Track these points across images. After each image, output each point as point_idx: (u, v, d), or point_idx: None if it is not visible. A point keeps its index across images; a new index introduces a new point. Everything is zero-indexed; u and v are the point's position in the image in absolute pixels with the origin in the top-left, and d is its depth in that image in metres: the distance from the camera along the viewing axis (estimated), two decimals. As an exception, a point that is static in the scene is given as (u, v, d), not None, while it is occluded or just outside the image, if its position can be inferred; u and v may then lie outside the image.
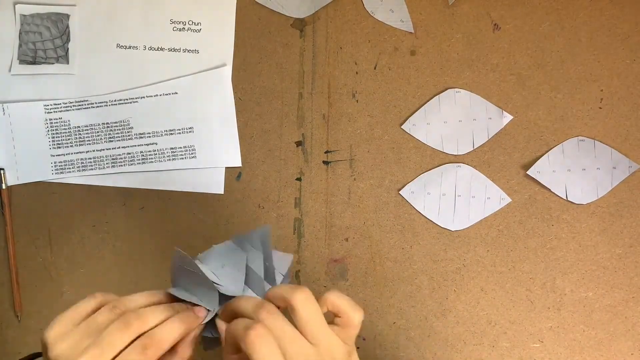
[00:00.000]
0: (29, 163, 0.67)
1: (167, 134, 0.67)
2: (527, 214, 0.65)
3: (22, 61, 0.67)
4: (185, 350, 0.47)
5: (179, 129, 0.67)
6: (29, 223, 0.67)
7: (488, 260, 0.65)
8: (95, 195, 0.68)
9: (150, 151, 0.67)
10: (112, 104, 0.67)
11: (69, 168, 0.67)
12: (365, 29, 0.68)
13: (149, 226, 0.67)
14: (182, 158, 0.67)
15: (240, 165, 0.68)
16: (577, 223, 0.65)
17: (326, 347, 0.43)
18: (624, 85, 0.66)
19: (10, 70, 0.67)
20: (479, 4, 0.67)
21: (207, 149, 0.67)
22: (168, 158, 0.67)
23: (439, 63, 0.67)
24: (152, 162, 0.67)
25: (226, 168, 0.68)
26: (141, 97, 0.67)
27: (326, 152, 0.67)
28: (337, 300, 0.45)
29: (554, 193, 0.65)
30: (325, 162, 0.67)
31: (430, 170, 0.67)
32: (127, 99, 0.67)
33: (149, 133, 0.67)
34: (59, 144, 0.67)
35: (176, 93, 0.67)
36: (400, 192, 0.67)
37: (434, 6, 0.68)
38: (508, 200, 0.65)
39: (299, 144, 0.68)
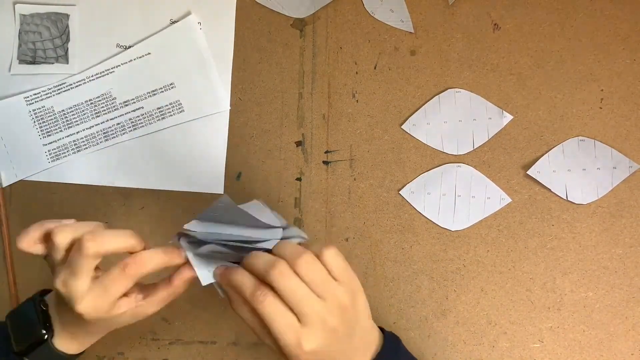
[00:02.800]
0: (23, 158, 0.67)
1: (150, 96, 0.68)
2: (527, 214, 0.65)
3: (21, 61, 0.67)
4: (179, 284, 0.52)
5: (161, 88, 0.68)
6: (29, 223, 0.67)
7: (488, 260, 0.65)
8: (95, 195, 0.68)
9: (138, 116, 0.68)
10: (90, 80, 0.68)
11: (64, 152, 0.67)
12: (365, 29, 0.68)
13: (149, 226, 0.67)
14: (171, 115, 0.68)
15: (229, 108, 0.68)
16: (578, 223, 0.65)
17: (333, 298, 0.48)
18: (624, 85, 0.66)
19: (10, 70, 0.67)
20: (479, 4, 0.67)
21: (193, 100, 0.68)
22: (157, 118, 0.68)
23: (439, 63, 0.67)
24: (142, 126, 0.68)
25: (226, 168, 0.67)
26: (116, 66, 0.68)
27: (326, 152, 0.67)
28: (330, 260, 0.49)
29: (554, 193, 0.65)
30: (325, 162, 0.67)
31: (430, 170, 0.66)
32: (103, 72, 0.68)
33: (133, 99, 0.68)
34: (48, 132, 0.67)
35: (149, 54, 0.68)
36: (400, 192, 0.67)
37: (434, 6, 0.68)
38: (508, 200, 0.65)
39: (299, 144, 0.67)
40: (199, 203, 0.67)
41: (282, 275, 0.47)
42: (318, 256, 0.49)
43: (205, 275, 0.51)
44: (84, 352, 0.56)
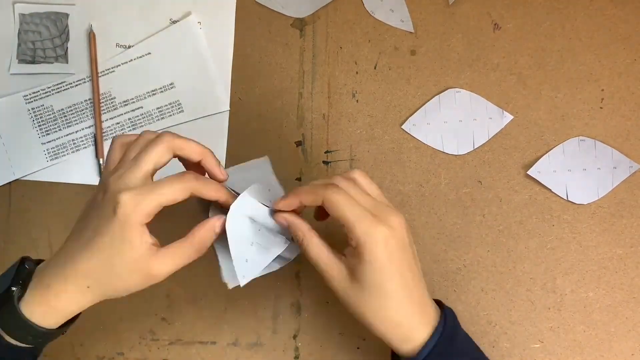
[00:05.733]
0: (22, 156, 0.67)
1: (150, 96, 0.68)
2: (528, 214, 0.65)
3: (21, 60, 0.67)
4: (197, 234, 0.51)
5: (161, 88, 0.68)
6: (29, 223, 0.67)
7: (488, 260, 0.65)
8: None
9: (137, 116, 0.68)
10: (89, 80, 0.68)
11: (63, 152, 0.67)
12: (365, 29, 0.68)
13: (149, 226, 0.67)
14: (170, 115, 0.68)
15: (229, 108, 0.68)
16: (578, 223, 0.65)
17: (381, 200, 0.52)
18: (624, 85, 0.66)
19: (9, 70, 0.67)
20: (479, 4, 0.67)
21: (192, 101, 0.68)
22: (157, 118, 0.68)
23: (439, 63, 0.67)
24: (142, 125, 0.68)
25: (226, 168, 0.67)
26: (117, 66, 0.68)
27: (326, 152, 0.67)
28: (361, 179, 0.52)
29: (554, 193, 0.65)
30: (325, 162, 0.67)
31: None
32: (103, 71, 0.68)
33: (133, 99, 0.68)
34: (47, 130, 0.67)
35: (149, 53, 0.68)
36: (400, 192, 0.67)
37: (434, 6, 0.68)
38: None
39: (299, 144, 0.67)
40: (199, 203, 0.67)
41: (344, 179, 0.51)
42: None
43: (232, 277, 0.52)
44: (65, 331, 0.50)
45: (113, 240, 0.46)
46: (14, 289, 0.47)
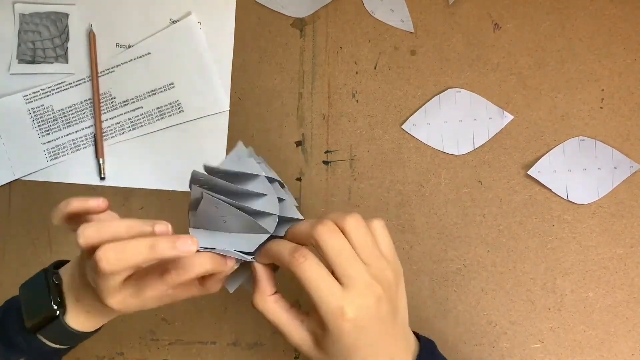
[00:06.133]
0: (22, 156, 0.67)
1: (150, 96, 0.68)
2: (528, 214, 0.65)
3: (21, 60, 0.67)
4: (214, 285, 0.48)
5: (161, 88, 0.68)
6: (29, 223, 0.67)
7: (488, 260, 0.65)
8: (94, 195, 0.67)
9: (137, 116, 0.68)
10: (89, 80, 0.68)
11: (62, 152, 0.67)
12: (365, 29, 0.68)
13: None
14: (170, 115, 0.68)
15: (229, 108, 0.67)
16: (578, 223, 0.65)
17: (378, 268, 0.45)
18: (624, 85, 0.66)
19: (9, 70, 0.67)
20: (479, 4, 0.67)
21: (192, 101, 0.68)
22: (157, 118, 0.68)
23: (439, 63, 0.67)
24: (142, 126, 0.68)
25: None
26: (117, 66, 0.68)
27: (326, 152, 0.67)
28: (378, 232, 0.47)
29: (554, 193, 0.65)
30: (325, 162, 0.67)
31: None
32: (103, 71, 0.68)
33: (132, 99, 0.68)
34: (47, 130, 0.67)
35: (149, 53, 0.68)
36: (400, 192, 0.67)
37: (434, 6, 0.68)
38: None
39: (299, 144, 0.67)
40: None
41: (329, 232, 0.44)
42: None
43: (232, 282, 0.50)
44: (100, 329, 0.52)
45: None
46: (56, 308, 0.49)
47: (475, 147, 0.66)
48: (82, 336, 0.51)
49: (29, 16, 0.67)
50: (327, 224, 0.44)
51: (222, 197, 0.47)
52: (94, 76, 0.67)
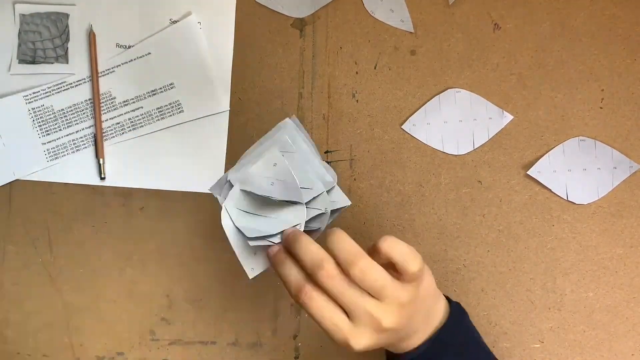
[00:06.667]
0: (22, 156, 0.67)
1: (150, 96, 0.68)
2: (528, 214, 0.65)
3: (21, 61, 0.67)
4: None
5: (161, 88, 0.68)
6: (29, 223, 0.67)
7: (488, 260, 0.65)
8: (95, 195, 0.67)
9: (137, 116, 0.68)
10: (89, 80, 0.67)
11: (63, 152, 0.67)
12: (365, 29, 0.68)
13: (149, 226, 0.67)
14: (171, 115, 0.68)
15: (229, 108, 0.67)
16: (578, 223, 0.65)
17: (392, 299, 0.46)
18: (624, 85, 0.66)
19: (9, 70, 0.67)
20: (479, 4, 0.67)
21: (192, 101, 0.68)
22: (157, 118, 0.68)
23: (439, 63, 0.67)
24: (142, 126, 0.67)
25: (226, 168, 0.67)
26: (117, 66, 0.68)
27: (326, 152, 0.67)
28: (390, 250, 0.46)
29: (554, 193, 0.65)
30: (325, 162, 0.67)
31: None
32: (103, 71, 0.68)
33: (133, 99, 0.68)
34: (47, 131, 0.67)
35: (149, 54, 0.68)
36: (400, 192, 0.67)
37: (434, 6, 0.68)
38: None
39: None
40: (199, 203, 0.67)
41: (330, 278, 0.45)
42: (375, 249, 0.46)
43: (250, 267, 0.52)
44: None
45: None
46: None
47: (475, 147, 0.66)
48: None
49: (30, 16, 0.67)
50: (328, 268, 0.45)
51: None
52: (94, 76, 0.67)
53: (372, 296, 0.45)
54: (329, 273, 0.45)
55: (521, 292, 0.64)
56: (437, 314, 0.52)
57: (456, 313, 0.53)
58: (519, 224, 0.65)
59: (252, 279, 0.52)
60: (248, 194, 0.51)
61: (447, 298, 0.54)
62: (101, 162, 0.67)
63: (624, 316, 0.64)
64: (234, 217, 0.51)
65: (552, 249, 0.65)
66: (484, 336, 0.64)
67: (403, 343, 0.50)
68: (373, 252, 0.47)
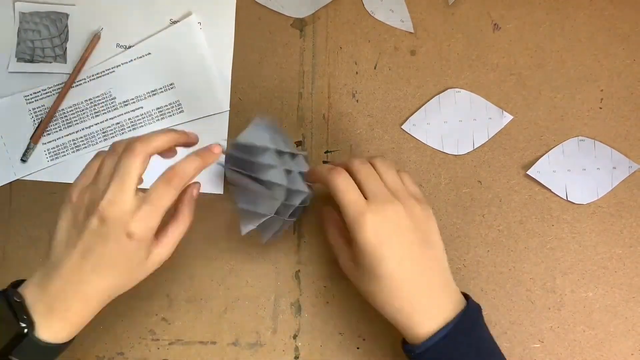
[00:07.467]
0: (22, 156, 0.67)
1: (150, 96, 0.68)
2: (527, 214, 0.65)
3: (20, 59, 0.67)
4: (187, 212, 0.55)
5: (161, 88, 0.68)
6: (29, 223, 0.67)
7: (488, 260, 0.65)
8: (95, 195, 0.67)
9: (137, 116, 0.68)
10: (90, 80, 0.67)
11: (63, 152, 0.67)
12: (365, 29, 0.68)
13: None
14: (170, 115, 0.68)
15: (229, 109, 0.68)
16: (577, 223, 0.65)
17: (406, 200, 0.53)
18: (624, 85, 0.66)
19: (8, 68, 0.67)
20: (479, 4, 0.67)
21: (192, 101, 0.68)
22: (157, 119, 0.68)
23: (439, 63, 0.67)
24: (142, 126, 0.68)
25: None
26: (117, 66, 0.68)
27: (326, 152, 0.67)
28: (407, 179, 0.57)
29: (554, 193, 0.65)
30: (326, 162, 0.67)
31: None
32: (103, 71, 0.68)
33: (133, 99, 0.68)
34: (47, 130, 0.67)
35: (149, 54, 0.68)
36: (400, 192, 0.67)
37: (434, 6, 0.68)
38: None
39: (299, 144, 0.67)
40: (198, 203, 0.67)
41: (361, 163, 0.54)
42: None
43: (265, 232, 0.60)
44: (74, 338, 0.52)
45: (132, 259, 0.51)
46: (23, 325, 0.48)
47: (475, 147, 0.66)
48: (55, 349, 0.50)
49: (29, 15, 0.67)
50: (361, 159, 0.54)
51: (237, 169, 0.58)
52: (76, 69, 0.67)
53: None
54: (362, 160, 0.54)
55: (521, 292, 0.65)
56: (457, 298, 0.53)
57: (473, 310, 0.53)
58: (519, 224, 0.65)
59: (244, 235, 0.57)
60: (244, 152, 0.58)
61: (465, 295, 0.54)
62: (31, 146, 0.66)
63: (623, 316, 0.64)
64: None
65: (552, 248, 0.65)
66: (484, 336, 0.64)
67: (414, 323, 0.51)
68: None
